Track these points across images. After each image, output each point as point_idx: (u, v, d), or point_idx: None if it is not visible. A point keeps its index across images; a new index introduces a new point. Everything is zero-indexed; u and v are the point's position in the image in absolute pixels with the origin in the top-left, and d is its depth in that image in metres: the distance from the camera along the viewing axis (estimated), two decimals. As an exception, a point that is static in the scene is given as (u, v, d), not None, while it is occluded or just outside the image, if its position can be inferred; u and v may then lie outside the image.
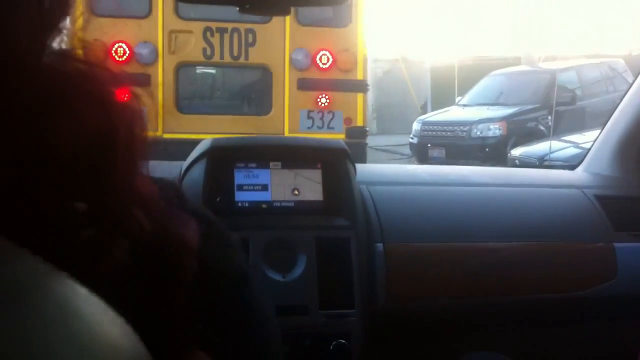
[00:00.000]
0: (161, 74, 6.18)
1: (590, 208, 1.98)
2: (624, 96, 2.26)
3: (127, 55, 6.02)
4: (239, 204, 1.71)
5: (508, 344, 1.92)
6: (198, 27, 6.21)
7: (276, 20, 5.99)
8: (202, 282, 0.51)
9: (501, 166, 8.93)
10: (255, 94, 6.80)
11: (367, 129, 6.73)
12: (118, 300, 0.41)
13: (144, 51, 6.14)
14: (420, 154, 12.11)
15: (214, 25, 6.19)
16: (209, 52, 6.30)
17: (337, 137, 6.01)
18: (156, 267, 0.48)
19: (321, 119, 6.41)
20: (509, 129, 11.33)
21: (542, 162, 7.10)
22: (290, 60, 6.35)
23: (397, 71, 21.88)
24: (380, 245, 1.74)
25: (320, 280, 1.65)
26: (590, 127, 8.23)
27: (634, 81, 2.24)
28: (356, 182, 1.80)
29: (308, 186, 1.75)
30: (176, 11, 6.16)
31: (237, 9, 1.47)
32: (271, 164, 1.74)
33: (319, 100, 6.36)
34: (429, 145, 11.89)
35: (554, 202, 2.01)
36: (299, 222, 1.71)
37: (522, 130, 11.25)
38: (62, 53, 0.46)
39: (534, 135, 10.52)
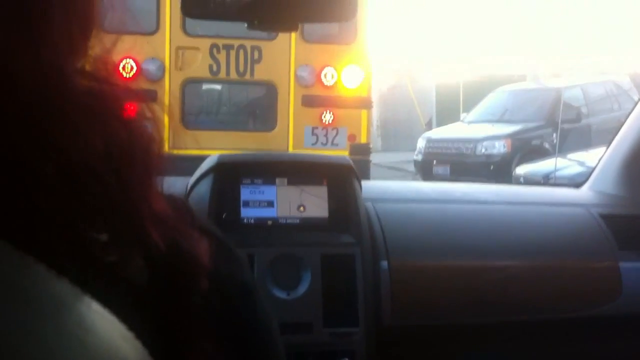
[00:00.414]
0: (167, 90, 6.22)
1: (596, 227, 1.98)
2: (629, 114, 2.26)
3: (134, 71, 6.07)
4: (245, 220, 1.71)
5: (513, 362, 1.91)
6: (205, 43, 6.29)
7: (281, 37, 6.06)
8: (209, 299, 0.52)
9: (506, 183, 8.93)
10: (260, 110, 6.87)
11: (371, 145, 6.77)
12: (132, 317, 0.42)
13: (152, 67, 6.20)
14: (425, 170, 12.12)
15: (220, 42, 6.27)
16: (215, 68, 6.36)
17: (341, 153, 6.00)
18: (170, 285, 0.48)
19: (325, 135, 6.45)
20: (514, 146, 11.34)
21: (547, 179, 7.11)
22: (295, 76, 6.40)
23: (402, 87, 21.93)
24: (385, 263, 1.74)
25: (325, 298, 1.65)
26: (596, 145, 8.24)
27: (639, 99, 2.24)
28: (362, 199, 1.80)
29: (314, 203, 1.75)
30: (183, 28, 6.22)
31: (246, 25, 1.49)
32: (277, 180, 1.75)
33: (323, 116, 6.40)
34: (434, 162, 11.91)
35: (559, 221, 2.01)
36: (305, 239, 1.71)
37: (527, 147, 11.26)
38: (83, 72, 0.46)
39: (539, 153, 10.54)
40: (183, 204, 0.61)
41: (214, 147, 5.23)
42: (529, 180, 7.92)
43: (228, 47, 6.30)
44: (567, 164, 7.13)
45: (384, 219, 1.82)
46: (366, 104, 6.55)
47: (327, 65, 6.36)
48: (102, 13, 0.48)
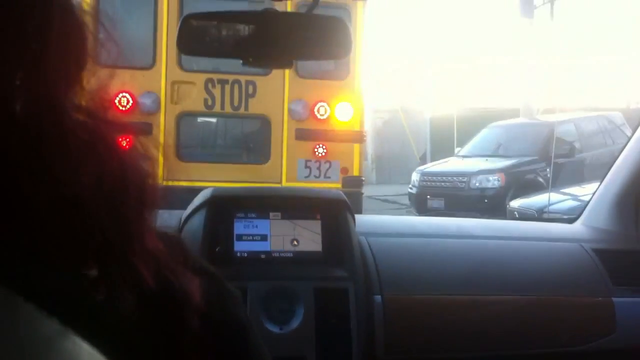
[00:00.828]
0: (163, 123, 6.31)
1: (589, 262, 1.98)
2: (622, 149, 2.28)
3: (130, 104, 6.14)
4: (238, 254, 1.71)
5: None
6: (200, 78, 6.42)
7: (276, 72, 6.23)
8: (202, 335, 0.51)
9: (500, 217, 8.93)
10: (254, 143, 6.97)
11: (363, 178, 6.87)
12: (122, 356, 0.42)
13: (147, 101, 6.30)
14: (420, 204, 12.12)
15: (215, 76, 6.41)
16: (210, 102, 6.49)
17: (334, 186, 6.26)
18: (160, 324, 0.48)
19: (318, 168, 6.55)
20: (508, 180, 11.37)
21: (541, 213, 7.11)
22: (289, 110, 6.52)
23: (396, 121, 22.04)
24: (378, 297, 1.73)
25: (318, 332, 1.64)
26: (589, 180, 8.26)
27: (632, 134, 2.26)
28: (355, 233, 1.80)
29: (307, 237, 1.75)
30: (179, 63, 6.37)
31: (241, 62, 1.50)
32: (271, 214, 1.75)
33: (316, 150, 6.51)
34: (428, 195, 11.92)
35: (553, 256, 2.01)
36: (298, 273, 1.70)
37: (520, 181, 11.29)
38: (79, 107, 0.47)
39: (532, 187, 10.56)
40: (177, 241, 0.61)
41: (208, 179, 5.34)
42: (523, 214, 7.92)
43: (223, 82, 6.43)
44: (560, 198, 7.14)
45: (377, 253, 1.82)
46: (358, 138, 6.68)
47: (321, 100, 6.49)
48: (96, 48, 0.48)
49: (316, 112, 6.51)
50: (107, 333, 0.43)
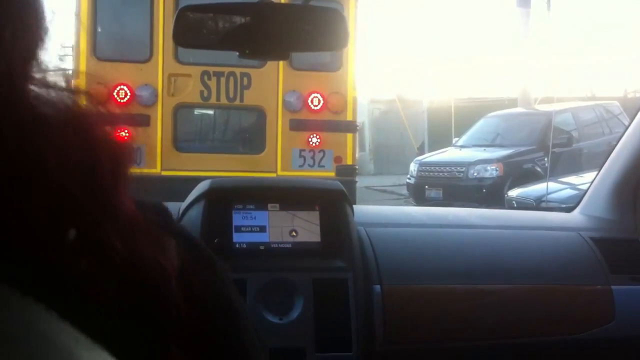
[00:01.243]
0: (160, 115, 6.49)
1: (588, 251, 1.98)
2: (619, 138, 2.28)
3: (128, 97, 6.31)
4: (237, 245, 1.71)
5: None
6: (196, 71, 6.55)
7: (270, 64, 6.47)
8: (186, 310, 0.51)
9: (498, 207, 8.94)
10: (249, 133, 7.15)
11: (357, 167, 7.04)
12: (107, 332, 0.42)
13: (145, 93, 6.46)
14: (418, 194, 12.13)
15: (211, 69, 6.54)
16: (206, 94, 6.62)
17: (328, 174, 6.50)
18: (137, 296, 0.47)
19: (312, 157, 6.73)
20: (506, 170, 11.38)
21: (539, 203, 7.12)
22: (283, 102, 6.67)
23: (394, 112, 22.00)
24: (377, 287, 1.73)
25: (317, 323, 1.65)
26: (587, 169, 8.27)
27: (629, 124, 2.26)
28: (354, 223, 1.80)
29: (306, 228, 1.75)
30: (175, 56, 6.51)
31: (237, 54, 1.50)
32: (269, 205, 1.75)
33: (310, 140, 6.67)
34: (426, 185, 11.92)
35: (551, 245, 2.02)
36: (297, 264, 1.71)
37: (518, 171, 11.30)
38: (45, 83, 0.45)
39: (530, 177, 10.56)
40: (159, 208, 0.60)
41: (204, 169, 5.96)
42: (521, 204, 7.93)
43: (218, 74, 6.58)
44: (558, 187, 7.16)
45: (376, 244, 1.82)
46: (351, 127, 6.85)
47: (314, 91, 6.65)
48: (50, 22, 0.47)
49: (310, 103, 6.66)
50: (86, 311, 0.42)
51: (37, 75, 0.45)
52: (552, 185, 7.17)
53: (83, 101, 0.47)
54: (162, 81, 6.53)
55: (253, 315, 1.61)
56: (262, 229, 1.73)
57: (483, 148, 12.26)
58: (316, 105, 6.67)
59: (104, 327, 0.43)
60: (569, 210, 2.37)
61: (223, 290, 0.64)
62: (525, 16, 15.39)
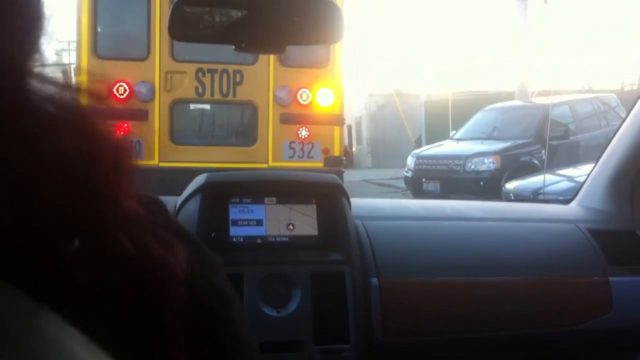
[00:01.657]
0: (157, 110, 6.88)
1: (585, 242, 1.99)
2: (616, 131, 2.28)
3: (127, 93, 6.71)
4: (234, 239, 1.71)
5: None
6: (191, 68, 6.92)
7: (261, 61, 6.93)
8: (184, 306, 0.50)
9: (496, 199, 8.95)
10: (242, 127, 7.53)
11: (344, 158, 7.42)
12: (103, 327, 0.41)
13: (143, 89, 6.83)
14: (415, 187, 12.14)
15: (205, 66, 6.92)
16: (200, 90, 7.00)
17: (316, 165, 7.03)
18: (142, 293, 0.47)
19: (302, 149, 7.14)
20: (503, 163, 11.39)
21: (536, 195, 7.13)
22: (274, 97, 7.06)
23: (391, 105, 22.00)
24: (375, 280, 1.73)
25: (315, 316, 1.64)
26: (584, 161, 8.28)
27: (626, 116, 2.26)
28: (351, 216, 1.80)
29: (303, 221, 1.75)
30: (172, 54, 6.89)
31: (233, 48, 1.49)
32: (266, 199, 1.75)
33: (299, 132, 7.08)
34: (424, 179, 11.93)
35: (548, 237, 2.02)
36: (294, 257, 1.70)
37: (516, 164, 11.31)
38: (45, 78, 0.45)
39: (528, 169, 10.58)
40: (159, 207, 0.59)
41: (199, 161, 6.54)
42: (518, 196, 7.94)
43: (212, 71, 6.95)
44: (556, 180, 7.16)
45: (373, 237, 1.82)
46: (338, 120, 7.23)
47: (303, 87, 7.04)
48: (49, 17, 0.47)
49: (299, 98, 7.04)
50: (92, 313, 0.42)
51: (37, 70, 0.45)
52: (549, 177, 7.17)
53: (83, 98, 0.47)
54: (159, 78, 6.87)
55: (250, 308, 1.61)
56: (259, 222, 1.73)
57: (480, 141, 12.26)
58: (305, 100, 7.04)
59: (107, 328, 0.42)
60: (567, 202, 2.37)
61: (216, 283, 0.64)
62: (522, 9, 15.38)
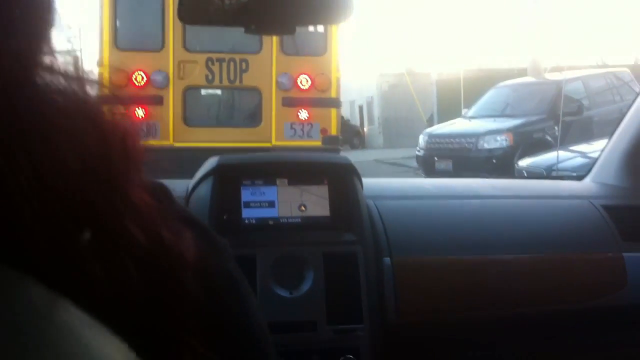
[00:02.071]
0: (172, 96, 7.76)
1: (599, 218, 1.98)
2: (631, 105, 2.26)
3: (144, 81, 7.60)
4: (246, 221, 1.71)
5: (521, 356, 1.91)
6: (202, 57, 7.80)
7: (265, 50, 7.84)
8: (195, 293, 0.50)
9: (509, 177, 8.92)
10: (248, 110, 8.39)
11: (340, 137, 8.38)
12: (116, 318, 0.42)
13: (158, 77, 7.71)
14: (427, 166, 12.12)
15: (214, 55, 7.82)
16: (210, 77, 7.89)
17: (315, 144, 7.89)
18: (153, 281, 0.47)
19: (302, 129, 7.97)
20: (516, 140, 11.33)
21: (549, 172, 7.09)
22: (276, 82, 7.91)
23: (403, 85, 21.91)
24: (388, 260, 1.73)
25: (328, 296, 1.65)
26: (598, 137, 8.22)
27: None
28: (363, 196, 1.80)
29: (315, 202, 1.75)
30: (184, 45, 7.78)
31: (244, 29, 1.48)
32: (277, 180, 1.75)
33: (299, 114, 7.91)
34: (436, 157, 11.91)
35: (562, 213, 2.01)
36: (306, 238, 1.71)
37: (529, 141, 11.25)
38: (54, 68, 0.45)
39: (541, 146, 10.52)
40: (165, 193, 0.59)
41: (210, 141, 7.40)
42: (532, 173, 7.90)
43: (221, 60, 7.83)
44: (569, 156, 7.11)
45: (385, 216, 1.82)
46: (335, 103, 8.09)
47: (303, 73, 7.91)
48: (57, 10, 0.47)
49: (299, 83, 7.92)
50: (106, 301, 0.42)
51: (47, 59, 0.44)
52: (562, 154, 7.12)
53: (97, 89, 0.47)
54: (173, 67, 7.73)
55: (263, 290, 1.61)
56: (271, 204, 1.73)
57: (493, 118, 12.20)
58: (304, 85, 7.91)
59: (122, 318, 0.42)
60: (580, 178, 2.35)
61: (226, 268, 0.64)
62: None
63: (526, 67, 15.62)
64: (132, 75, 7.39)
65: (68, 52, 0.47)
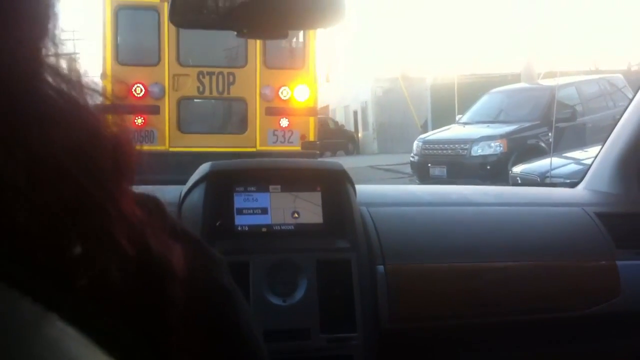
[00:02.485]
0: (167, 105, 8.64)
1: (592, 226, 1.97)
2: (624, 112, 2.26)
3: (143, 92, 8.48)
4: (239, 228, 1.70)
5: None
6: (194, 71, 8.71)
7: (249, 64, 8.80)
8: (187, 305, 0.50)
9: (502, 183, 8.93)
10: (235, 118, 9.31)
11: (318, 142, 9.25)
12: (107, 331, 0.41)
13: (155, 89, 8.59)
14: (421, 172, 12.13)
15: (205, 69, 8.72)
16: (201, 89, 8.78)
17: (295, 149, 8.74)
18: (143, 293, 0.46)
19: (283, 136, 8.85)
20: (510, 146, 11.35)
21: (543, 178, 7.11)
22: (260, 94, 8.78)
23: (397, 90, 21.95)
24: (381, 267, 1.73)
25: (322, 303, 1.64)
26: (591, 143, 8.24)
27: (633, 97, 2.24)
28: (356, 203, 1.79)
29: (308, 209, 1.74)
30: (178, 60, 8.67)
31: (235, 33, 1.48)
32: (270, 187, 1.74)
33: (281, 122, 8.79)
34: (430, 164, 11.92)
35: (555, 221, 2.01)
36: (300, 245, 1.70)
37: (522, 147, 11.27)
38: (56, 71, 0.45)
39: (534, 152, 10.54)
40: (156, 204, 0.59)
41: (201, 146, 8.26)
42: (525, 180, 7.91)
43: (211, 74, 8.72)
44: (563, 163, 7.13)
45: (379, 223, 1.81)
46: (313, 112, 9.01)
47: (283, 85, 8.77)
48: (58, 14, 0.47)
49: (280, 94, 8.77)
50: (93, 315, 0.42)
51: (51, 62, 0.44)
52: (556, 160, 7.14)
53: (93, 97, 0.47)
54: (168, 80, 8.61)
55: (257, 298, 1.60)
56: (264, 210, 1.72)
57: (487, 124, 12.22)
58: (285, 96, 8.77)
59: (108, 329, 0.42)
60: (574, 185, 2.35)
61: (217, 279, 0.64)
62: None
63: (520, 72, 15.66)
64: (132, 87, 8.36)
65: (66, 55, 0.47)
